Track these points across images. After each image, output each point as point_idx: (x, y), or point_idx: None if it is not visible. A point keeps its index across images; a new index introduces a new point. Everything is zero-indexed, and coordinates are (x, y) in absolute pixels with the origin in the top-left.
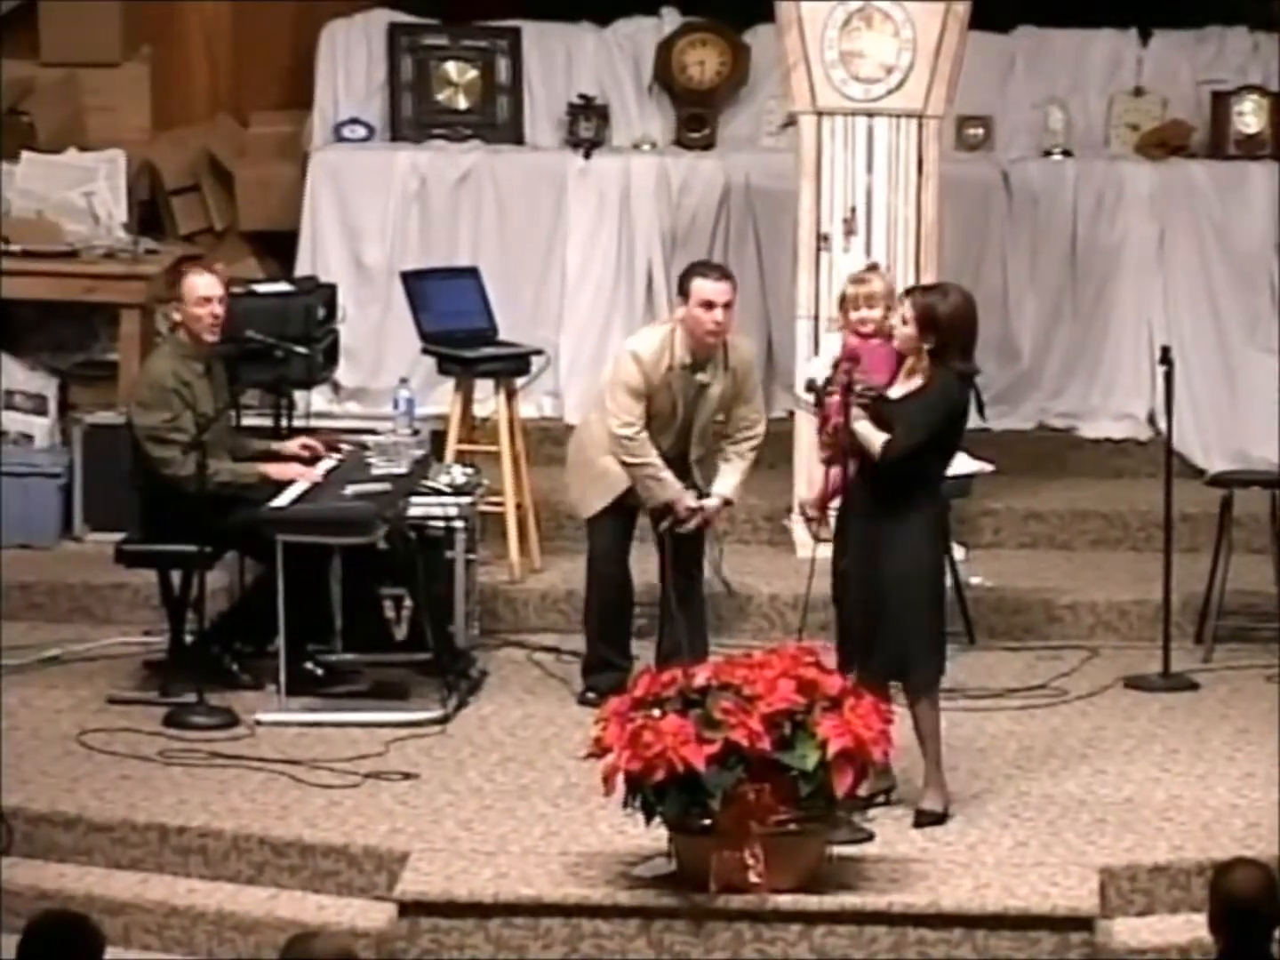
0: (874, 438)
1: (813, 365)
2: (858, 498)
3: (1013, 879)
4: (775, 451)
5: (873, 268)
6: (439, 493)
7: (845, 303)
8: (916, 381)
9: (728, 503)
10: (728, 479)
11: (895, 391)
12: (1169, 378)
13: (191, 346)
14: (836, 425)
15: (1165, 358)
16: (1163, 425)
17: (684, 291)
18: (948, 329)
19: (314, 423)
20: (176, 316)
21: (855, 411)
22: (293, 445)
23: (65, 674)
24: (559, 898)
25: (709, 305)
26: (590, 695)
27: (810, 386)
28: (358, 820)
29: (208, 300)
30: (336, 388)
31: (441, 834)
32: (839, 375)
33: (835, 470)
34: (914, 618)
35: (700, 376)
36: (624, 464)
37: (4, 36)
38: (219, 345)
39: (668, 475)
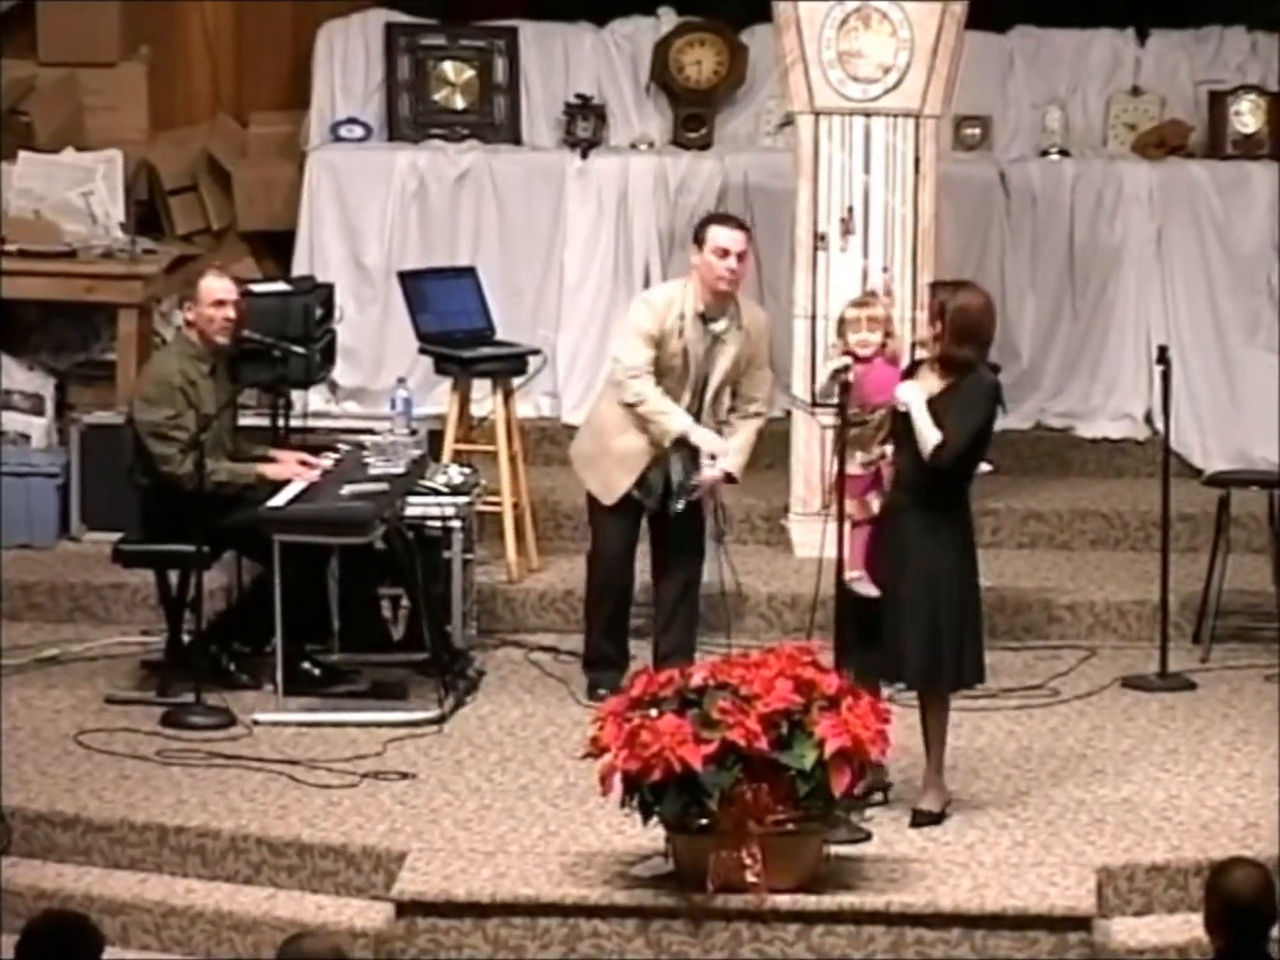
0: (929, 435)
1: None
2: (890, 498)
3: (1011, 879)
4: (773, 451)
5: (873, 293)
6: (436, 493)
7: (844, 325)
8: (933, 382)
9: (730, 478)
10: (732, 454)
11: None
12: (1166, 377)
13: (199, 347)
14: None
15: (1162, 357)
16: (1161, 425)
17: (699, 240)
18: (954, 320)
19: (312, 423)
20: (189, 316)
21: (911, 395)
22: (289, 456)
23: (64, 674)
24: (557, 897)
25: (724, 253)
26: (601, 692)
27: (824, 392)
28: (356, 820)
29: (222, 303)
30: (334, 388)
31: (439, 834)
32: (839, 376)
33: (860, 531)
34: (937, 621)
35: (714, 326)
36: (628, 406)
37: (3, 36)
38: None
39: (674, 408)
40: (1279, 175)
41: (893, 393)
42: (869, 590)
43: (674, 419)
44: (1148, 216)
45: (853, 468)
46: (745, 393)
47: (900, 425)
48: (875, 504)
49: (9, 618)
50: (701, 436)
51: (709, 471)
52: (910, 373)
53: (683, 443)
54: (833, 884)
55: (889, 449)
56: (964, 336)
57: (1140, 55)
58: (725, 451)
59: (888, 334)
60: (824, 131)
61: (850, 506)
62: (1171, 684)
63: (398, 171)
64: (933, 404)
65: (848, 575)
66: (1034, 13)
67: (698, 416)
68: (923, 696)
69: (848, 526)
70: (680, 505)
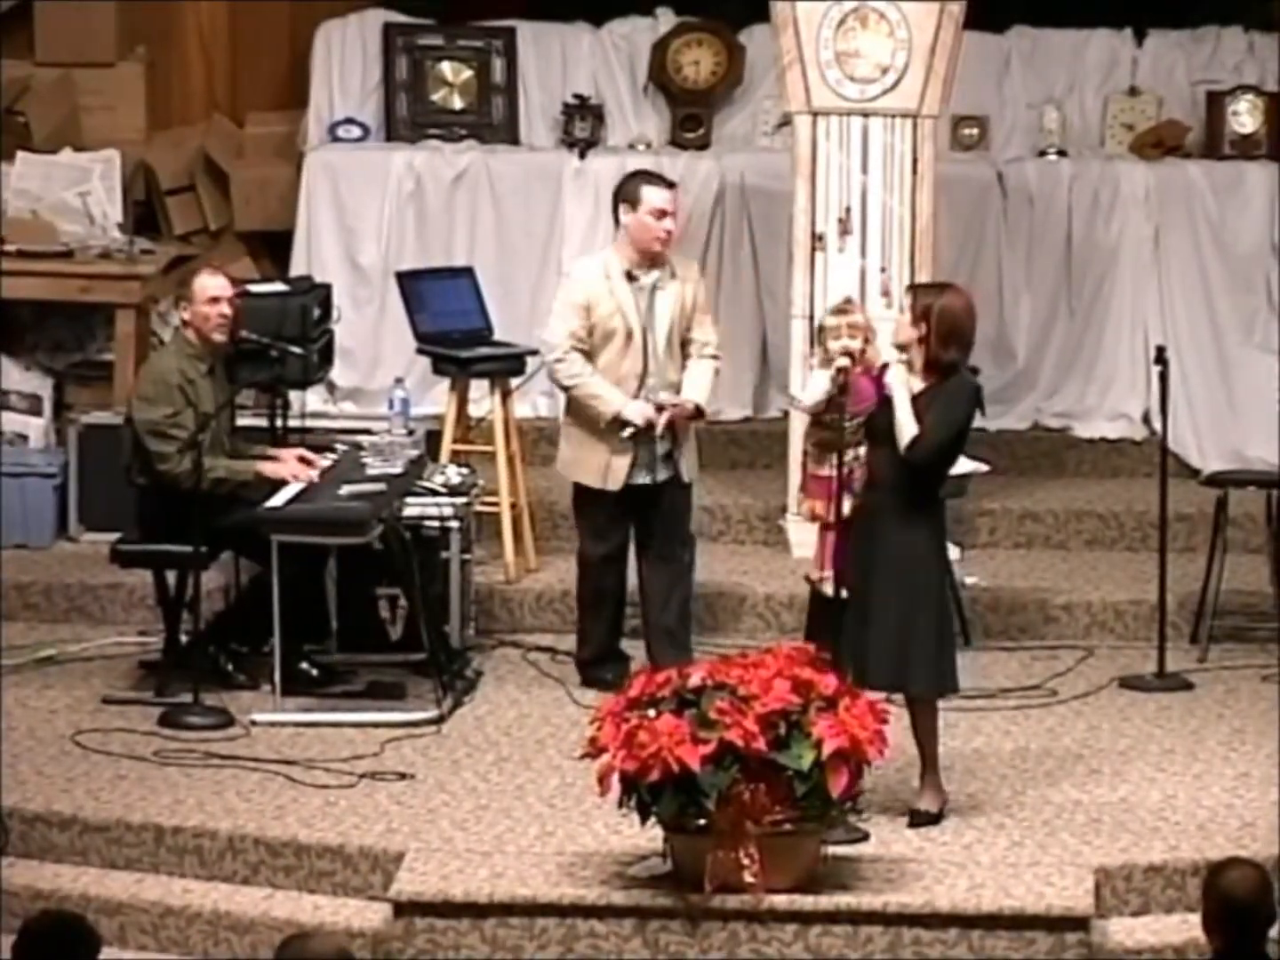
0: (908, 427)
1: (807, 392)
2: (864, 498)
3: (1008, 879)
4: (771, 452)
5: (850, 300)
6: (434, 493)
7: (824, 333)
8: (915, 383)
9: (698, 412)
10: (692, 385)
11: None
12: (1164, 377)
13: (197, 346)
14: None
15: (1160, 357)
16: (1158, 425)
17: (629, 199)
18: (939, 323)
19: (309, 423)
20: (185, 315)
21: (898, 381)
22: (289, 454)
23: (61, 674)
24: (554, 898)
25: (661, 214)
26: (609, 678)
27: (816, 402)
28: (353, 820)
29: (216, 300)
30: (332, 388)
31: (437, 834)
32: (840, 375)
33: (828, 532)
34: (914, 621)
35: (644, 280)
36: (565, 390)
37: (0, 36)
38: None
39: (606, 390)
40: (1277, 175)
41: (869, 402)
42: (799, 535)
43: (606, 401)
44: (1144, 216)
45: (824, 470)
46: (696, 339)
47: (881, 422)
48: (845, 506)
49: (5, 618)
50: (633, 410)
51: (672, 398)
52: (881, 374)
53: (619, 422)
54: (830, 884)
55: (862, 451)
56: (949, 338)
57: (1137, 55)
58: (657, 421)
59: (866, 341)
60: (822, 132)
61: (819, 508)
62: (1169, 684)
63: (395, 172)
64: (913, 403)
65: (815, 575)
66: (1031, 13)
67: (646, 375)
68: (909, 700)
69: (815, 528)
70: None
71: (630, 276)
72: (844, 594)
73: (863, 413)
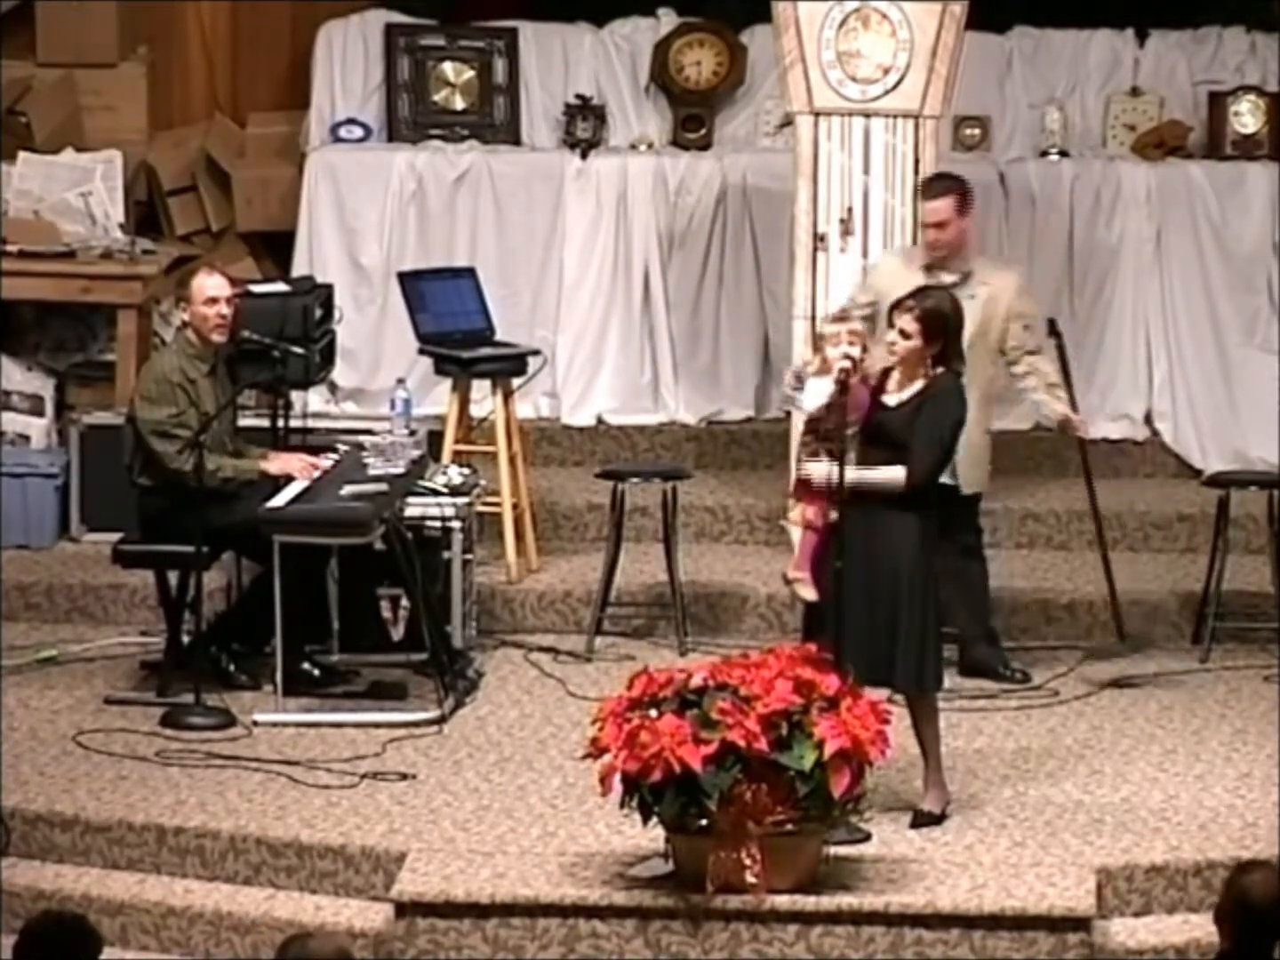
0: (891, 476)
1: (808, 398)
2: (855, 501)
3: (1010, 879)
4: (772, 452)
5: (846, 310)
6: (436, 493)
7: (823, 340)
8: (915, 386)
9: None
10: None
11: (891, 399)
12: (1061, 349)
13: (198, 346)
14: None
15: (1053, 329)
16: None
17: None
18: (953, 329)
19: (311, 423)
20: (185, 316)
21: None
22: (291, 456)
23: (63, 674)
24: (556, 898)
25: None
26: None
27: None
28: (355, 821)
29: (214, 300)
30: (334, 388)
31: (439, 834)
32: (840, 376)
33: (810, 535)
34: (897, 618)
35: (945, 278)
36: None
37: (1, 37)
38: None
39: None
40: (1278, 175)
41: (864, 410)
42: (809, 594)
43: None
44: (1146, 217)
45: (818, 475)
46: (1012, 346)
47: (873, 426)
48: (834, 512)
49: (7, 618)
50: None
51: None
52: (883, 381)
53: None
54: (832, 884)
55: (853, 456)
56: (960, 344)
57: (1139, 56)
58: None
59: (864, 349)
60: (823, 132)
61: (810, 513)
62: (1170, 684)
63: (396, 172)
64: (904, 405)
65: (790, 575)
66: (1033, 13)
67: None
68: (910, 701)
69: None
70: None
71: (928, 270)
72: (815, 597)
73: (858, 421)
